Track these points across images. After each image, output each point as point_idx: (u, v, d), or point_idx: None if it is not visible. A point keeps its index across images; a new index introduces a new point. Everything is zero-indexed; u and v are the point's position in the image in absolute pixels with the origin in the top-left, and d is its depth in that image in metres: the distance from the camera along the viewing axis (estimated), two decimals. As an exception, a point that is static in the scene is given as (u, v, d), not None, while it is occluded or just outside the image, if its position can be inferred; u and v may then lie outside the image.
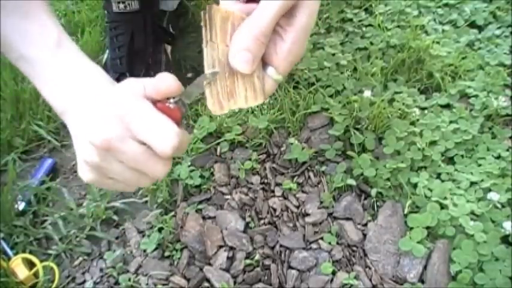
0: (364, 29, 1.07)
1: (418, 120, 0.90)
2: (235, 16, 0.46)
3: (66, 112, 0.51)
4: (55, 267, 0.79)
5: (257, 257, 0.77)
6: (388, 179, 0.83)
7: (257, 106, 0.93)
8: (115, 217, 0.85)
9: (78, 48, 0.53)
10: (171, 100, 0.47)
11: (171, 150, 0.45)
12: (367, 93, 0.91)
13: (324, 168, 0.86)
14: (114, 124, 0.46)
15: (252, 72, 0.47)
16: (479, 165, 0.84)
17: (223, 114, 0.48)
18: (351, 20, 1.10)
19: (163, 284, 0.76)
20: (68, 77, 0.51)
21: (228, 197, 0.84)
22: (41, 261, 0.78)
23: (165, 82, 0.47)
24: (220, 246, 0.78)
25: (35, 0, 0.53)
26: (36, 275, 0.77)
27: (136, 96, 0.46)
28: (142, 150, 0.47)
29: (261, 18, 0.45)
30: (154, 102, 0.46)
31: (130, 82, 0.48)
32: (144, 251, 0.80)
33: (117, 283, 0.78)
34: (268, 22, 0.45)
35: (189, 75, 1.05)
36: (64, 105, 0.52)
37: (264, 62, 0.48)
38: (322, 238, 0.79)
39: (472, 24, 1.08)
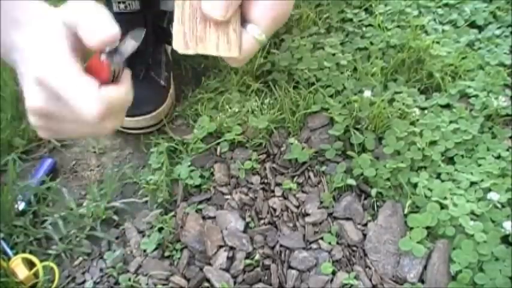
0: (364, 29, 1.07)
1: (418, 120, 0.90)
2: None
3: (13, 50, 0.47)
4: (55, 267, 0.79)
5: (257, 257, 0.77)
6: (388, 179, 0.83)
7: (257, 106, 0.93)
8: (115, 217, 0.85)
9: None
10: (105, 50, 0.42)
11: (93, 116, 0.42)
12: (367, 93, 0.91)
13: (324, 168, 0.86)
14: (40, 91, 0.44)
15: (228, 23, 0.44)
16: (479, 165, 0.84)
17: (189, 53, 0.45)
18: (351, 20, 1.10)
19: (163, 284, 0.76)
20: (15, 8, 0.47)
21: (228, 197, 0.84)
22: (41, 261, 0.78)
23: (102, 31, 0.42)
24: (220, 246, 0.78)
25: None
26: (36, 275, 0.77)
27: (61, 50, 0.42)
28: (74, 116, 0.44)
29: None
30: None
31: (65, 10, 0.43)
32: (144, 251, 0.80)
33: (117, 283, 0.78)
34: None
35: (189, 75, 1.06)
36: (11, 40, 0.47)
37: (245, 19, 0.45)
38: (322, 238, 0.79)
39: (472, 24, 1.08)
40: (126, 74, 0.46)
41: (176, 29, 0.44)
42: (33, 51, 0.45)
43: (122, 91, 0.45)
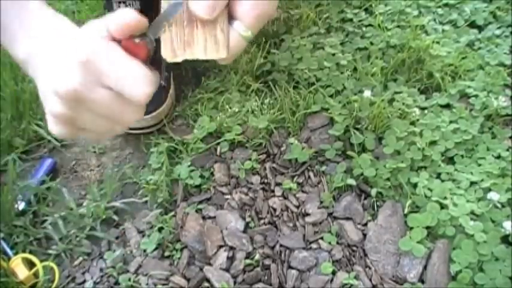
0: (364, 29, 1.07)
1: (418, 120, 0.90)
2: None
3: (29, 60, 0.48)
4: (55, 267, 0.79)
5: (257, 257, 0.77)
6: (388, 179, 0.83)
7: (257, 106, 0.93)
8: (115, 217, 0.85)
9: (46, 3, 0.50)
10: (137, 37, 0.43)
11: (144, 97, 0.43)
12: (367, 93, 0.91)
13: (324, 168, 0.86)
14: (79, 71, 0.43)
15: (215, 23, 0.44)
16: (479, 165, 0.84)
17: (178, 61, 0.45)
18: (351, 20, 1.10)
19: (163, 284, 0.76)
20: (30, 22, 0.48)
21: (228, 197, 0.84)
22: (41, 261, 0.78)
23: (127, 18, 0.43)
24: (220, 246, 0.78)
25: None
26: (36, 275, 0.77)
27: (99, 38, 0.43)
28: (111, 97, 0.44)
29: None
30: (119, 41, 0.44)
31: (92, 23, 0.44)
32: (144, 251, 0.80)
33: (117, 283, 0.78)
34: None
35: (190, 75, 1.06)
36: (26, 51, 0.48)
37: (231, 17, 0.45)
38: (322, 238, 0.79)
39: (472, 24, 1.08)
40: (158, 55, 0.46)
41: (163, 36, 0.44)
42: (72, 34, 0.45)
43: (156, 73, 0.46)
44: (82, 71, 0.43)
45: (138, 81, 0.43)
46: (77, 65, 0.43)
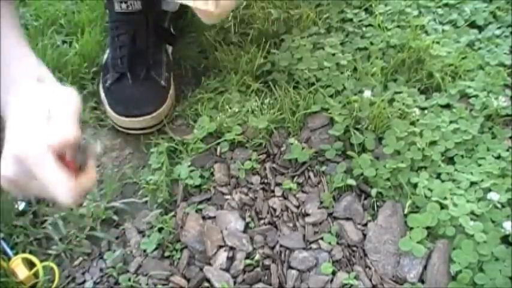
0: (364, 29, 1.07)
1: (418, 120, 0.90)
2: None
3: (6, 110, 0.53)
4: (55, 267, 0.79)
5: (257, 257, 0.77)
6: (388, 179, 0.83)
7: (257, 106, 0.93)
8: (115, 217, 0.85)
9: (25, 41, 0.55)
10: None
11: (69, 202, 0.48)
12: (367, 93, 0.91)
13: (324, 168, 0.86)
14: (15, 166, 0.48)
15: None
16: (479, 165, 0.84)
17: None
18: (351, 20, 1.10)
19: (163, 284, 0.76)
20: (9, 62, 0.53)
21: (228, 197, 0.84)
22: (41, 261, 0.78)
23: (68, 136, 0.48)
24: (220, 246, 0.78)
25: (11, 42, 0.55)
26: (36, 275, 0.77)
27: (39, 142, 0.47)
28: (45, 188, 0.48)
29: None
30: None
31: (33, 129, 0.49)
32: (144, 251, 0.80)
33: (117, 283, 0.78)
34: None
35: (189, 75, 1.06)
36: (5, 99, 0.53)
37: None
38: (322, 238, 0.79)
39: (472, 24, 1.08)
40: (91, 163, 0.51)
41: None
42: (19, 125, 0.50)
43: (91, 181, 0.51)
44: (16, 166, 0.48)
45: (61, 192, 0.48)
46: (13, 159, 0.48)
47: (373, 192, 0.82)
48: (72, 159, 0.49)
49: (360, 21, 1.09)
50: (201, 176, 0.87)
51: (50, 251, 0.81)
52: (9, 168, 0.49)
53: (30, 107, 0.50)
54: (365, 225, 0.80)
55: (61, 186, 0.48)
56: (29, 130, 0.49)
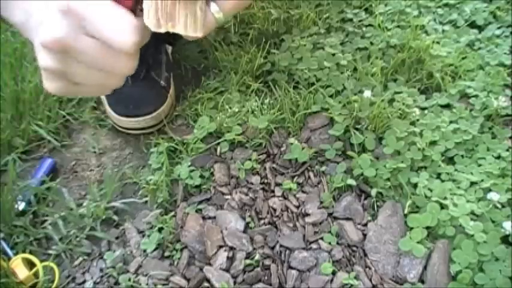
0: (364, 29, 1.07)
1: (418, 120, 0.90)
2: None
3: (25, 21, 0.47)
4: (55, 267, 0.79)
5: (257, 257, 0.77)
6: (388, 179, 0.83)
7: (257, 106, 0.93)
8: (115, 217, 0.85)
9: None
10: None
11: (131, 46, 0.42)
12: (367, 93, 0.91)
13: (324, 168, 0.86)
14: (62, 21, 0.42)
15: (196, 1, 0.45)
16: (479, 165, 0.85)
17: (160, 31, 0.45)
18: (351, 20, 1.10)
19: (163, 284, 0.76)
20: None
21: (228, 197, 0.84)
22: (41, 261, 0.78)
23: None
24: (220, 246, 0.78)
25: None
26: (36, 275, 0.77)
27: None
28: (99, 46, 0.43)
29: None
30: None
31: None
32: (144, 251, 0.80)
33: (117, 283, 0.78)
34: None
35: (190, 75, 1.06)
36: (22, 12, 0.47)
37: None
38: (322, 238, 0.79)
39: (472, 24, 1.08)
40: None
41: (148, 4, 0.44)
42: None
43: (144, 24, 0.45)
44: (65, 21, 0.42)
45: (122, 30, 0.42)
46: (60, 14, 0.42)
47: (373, 192, 0.82)
48: None
49: (360, 21, 1.09)
50: (201, 176, 0.87)
51: (50, 251, 0.81)
52: (57, 26, 0.42)
53: None
54: (365, 225, 0.80)
55: (119, 22, 0.41)
56: None
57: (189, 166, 0.87)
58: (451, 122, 0.90)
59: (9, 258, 0.78)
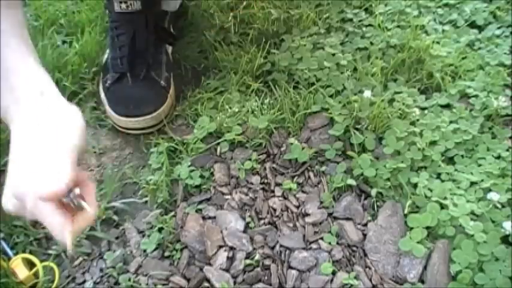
0: (364, 29, 1.07)
1: (418, 120, 0.90)
2: None
3: (6, 115, 0.53)
4: (55, 267, 0.79)
5: (257, 257, 0.77)
6: (388, 179, 0.83)
7: (257, 106, 0.93)
8: (115, 217, 0.85)
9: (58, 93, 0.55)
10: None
11: (67, 243, 0.50)
12: (367, 93, 0.91)
13: (324, 168, 0.86)
14: (16, 202, 0.50)
15: None
16: (479, 165, 0.85)
17: None
18: (351, 20, 1.10)
19: (163, 284, 0.76)
20: (10, 77, 0.53)
21: (228, 197, 0.84)
22: (41, 261, 0.78)
23: (51, 190, 0.49)
24: (220, 246, 0.78)
25: (16, 54, 0.55)
26: (36, 275, 0.77)
27: (34, 190, 0.49)
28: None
29: None
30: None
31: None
32: (144, 251, 0.80)
33: (117, 283, 0.78)
34: None
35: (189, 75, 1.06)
36: (5, 105, 0.53)
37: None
38: (322, 238, 0.79)
39: (472, 24, 1.08)
40: (90, 200, 0.53)
41: None
42: (18, 162, 0.51)
43: (88, 221, 0.52)
44: (16, 202, 0.51)
45: (57, 235, 0.50)
46: (12, 196, 0.50)
47: (373, 192, 0.82)
48: (67, 201, 0.51)
49: (360, 21, 1.09)
50: (201, 176, 0.87)
51: (50, 251, 0.81)
52: (10, 203, 0.51)
53: (31, 133, 0.51)
54: (365, 225, 0.80)
55: (57, 229, 0.50)
56: (26, 172, 0.50)
57: (189, 166, 0.87)
58: (451, 122, 0.90)
59: (9, 258, 0.78)
